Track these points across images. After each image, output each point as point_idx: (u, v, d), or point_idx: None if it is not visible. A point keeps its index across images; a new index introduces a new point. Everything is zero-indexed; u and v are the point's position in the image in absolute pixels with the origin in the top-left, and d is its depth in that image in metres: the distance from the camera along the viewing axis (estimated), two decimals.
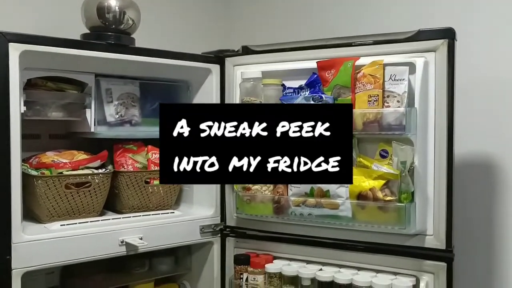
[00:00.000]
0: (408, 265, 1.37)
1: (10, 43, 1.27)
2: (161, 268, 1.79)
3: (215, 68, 1.69)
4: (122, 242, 1.49)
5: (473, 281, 1.62)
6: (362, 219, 1.37)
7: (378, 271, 1.42)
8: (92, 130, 1.57)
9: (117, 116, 1.61)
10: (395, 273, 1.39)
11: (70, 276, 1.61)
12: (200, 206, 1.75)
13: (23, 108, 1.37)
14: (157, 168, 1.69)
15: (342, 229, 1.44)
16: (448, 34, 1.31)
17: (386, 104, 1.33)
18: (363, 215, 1.36)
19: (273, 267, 1.50)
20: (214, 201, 1.71)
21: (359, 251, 1.44)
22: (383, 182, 1.33)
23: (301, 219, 1.46)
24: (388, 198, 1.31)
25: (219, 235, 1.71)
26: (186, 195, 1.82)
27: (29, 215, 1.52)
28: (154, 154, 1.71)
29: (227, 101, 1.66)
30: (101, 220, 1.54)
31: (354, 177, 1.35)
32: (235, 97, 1.63)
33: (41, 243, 1.35)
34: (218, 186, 1.70)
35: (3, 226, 1.29)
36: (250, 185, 1.54)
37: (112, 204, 1.66)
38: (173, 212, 1.70)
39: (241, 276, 1.54)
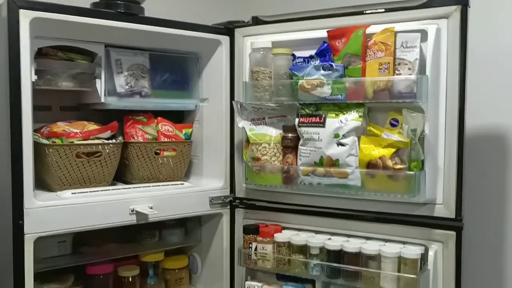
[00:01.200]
0: (417, 234, 1.37)
1: (21, 10, 1.28)
2: (171, 239, 1.81)
3: (224, 40, 1.68)
4: (132, 211, 1.50)
5: (483, 251, 1.61)
6: (371, 188, 1.36)
7: (386, 241, 1.42)
8: (103, 100, 1.57)
9: (127, 87, 1.62)
10: (403, 242, 1.39)
11: (82, 245, 1.63)
12: (209, 178, 1.76)
13: (34, 77, 1.38)
14: (167, 139, 1.70)
15: (351, 199, 1.44)
16: (461, 0, 1.28)
17: (397, 72, 1.32)
18: (372, 184, 1.36)
19: (282, 236, 1.51)
20: (223, 173, 1.72)
21: (368, 221, 1.44)
22: (393, 150, 1.32)
23: (310, 188, 1.46)
24: (398, 166, 1.31)
25: (229, 206, 1.72)
26: (195, 168, 1.83)
27: (41, 184, 1.54)
28: (164, 126, 1.72)
29: (236, 73, 1.66)
30: (112, 189, 1.56)
31: (363, 145, 1.36)
32: (245, 68, 1.62)
33: (52, 209, 1.37)
34: (228, 157, 1.71)
35: (16, 191, 1.31)
36: (260, 155, 1.54)
37: (122, 175, 1.68)
38: (182, 184, 1.71)
39: (250, 246, 1.55)
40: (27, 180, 1.32)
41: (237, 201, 1.70)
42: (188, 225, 1.87)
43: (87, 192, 1.50)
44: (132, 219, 1.51)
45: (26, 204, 1.32)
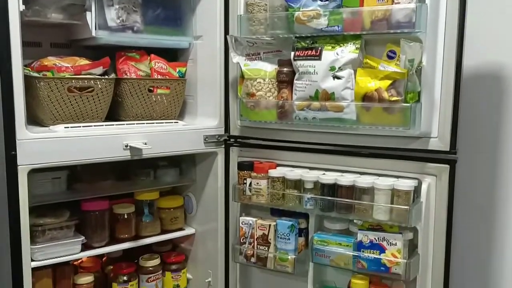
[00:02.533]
0: (411, 168, 1.37)
1: None
2: (165, 178, 1.82)
3: None
4: (126, 146, 1.50)
5: (476, 185, 1.61)
6: (366, 122, 1.35)
7: (380, 175, 1.42)
8: (93, 34, 1.54)
9: (118, 21, 1.57)
10: (397, 177, 1.39)
11: (77, 181, 1.63)
12: (204, 118, 1.75)
13: (22, 7, 1.33)
14: (160, 77, 1.68)
15: (346, 134, 1.44)
16: None
17: (396, 0, 1.28)
18: (367, 117, 1.35)
19: (276, 172, 1.51)
20: (218, 112, 1.70)
21: (362, 156, 1.44)
22: (389, 82, 1.30)
23: (305, 123, 1.44)
24: (394, 98, 1.29)
25: (223, 145, 1.72)
26: (190, 107, 1.82)
27: (34, 120, 1.53)
28: (157, 63, 1.69)
29: (231, 7, 1.61)
30: (105, 125, 1.55)
31: (360, 78, 1.34)
32: (239, 2, 1.57)
33: (45, 141, 1.36)
34: (222, 96, 1.69)
35: (8, 122, 1.29)
36: (254, 91, 1.52)
37: (116, 113, 1.66)
38: (177, 122, 1.70)
39: (245, 182, 1.56)
40: (18, 111, 1.30)
41: (231, 139, 1.69)
42: (183, 165, 1.87)
43: (80, 127, 1.49)
44: (126, 155, 1.50)
45: (19, 135, 1.31)
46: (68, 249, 1.53)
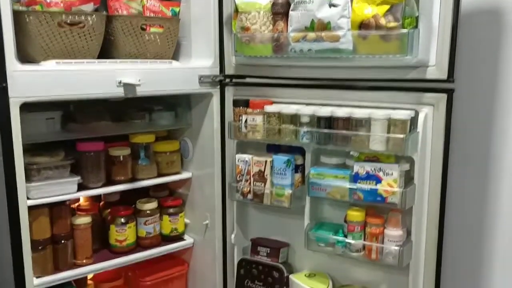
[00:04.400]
0: (408, 99, 1.36)
1: None
2: (161, 122, 1.81)
3: None
4: (119, 83, 1.48)
5: (473, 115, 1.59)
6: (363, 51, 1.33)
7: (377, 108, 1.40)
8: None
9: None
10: (394, 108, 1.38)
11: (71, 122, 1.62)
12: (198, 59, 1.73)
13: None
14: (153, 15, 1.64)
15: (342, 68, 1.42)
16: None
17: None
18: (364, 47, 1.32)
19: (272, 107, 1.50)
20: (212, 51, 1.67)
21: (358, 89, 1.42)
22: (386, 7, 1.27)
23: (300, 56, 1.42)
24: (391, 24, 1.26)
25: (218, 86, 1.70)
26: (184, 49, 1.79)
27: (25, 59, 1.49)
28: (150, 1, 1.65)
29: None
30: (98, 62, 1.52)
31: (356, 5, 1.31)
32: None
33: (36, 74, 1.35)
34: (217, 34, 1.66)
35: None
36: (249, 25, 1.49)
37: (109, 52, 1.62)
38: (171, 62, 1.68)
39: (240, 118, 1.54)
40: (8, 42, 1.28)
41: (227, 79, 1.67)
42: (178, 109, 1.85)
43: (71, 63, 1.46)
44: (119, 91, 1.48)
45: (9, 67, 1.29)
46: (64, 189, 1.53)
